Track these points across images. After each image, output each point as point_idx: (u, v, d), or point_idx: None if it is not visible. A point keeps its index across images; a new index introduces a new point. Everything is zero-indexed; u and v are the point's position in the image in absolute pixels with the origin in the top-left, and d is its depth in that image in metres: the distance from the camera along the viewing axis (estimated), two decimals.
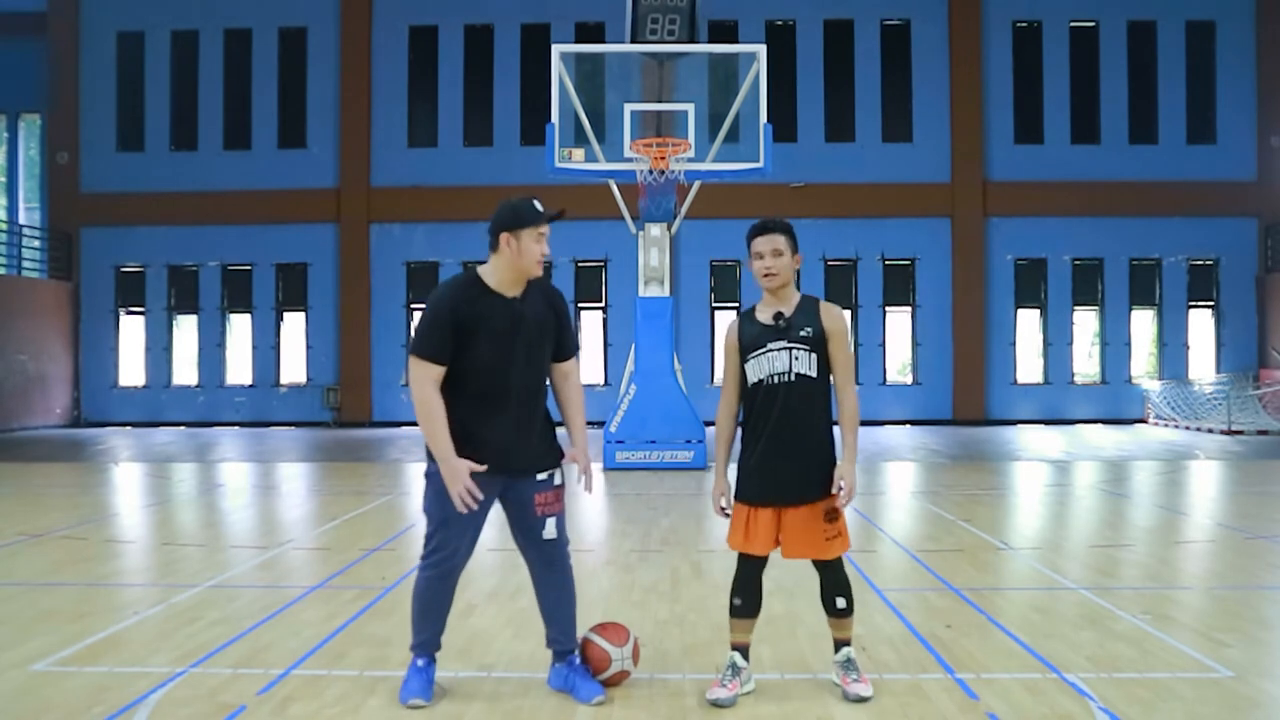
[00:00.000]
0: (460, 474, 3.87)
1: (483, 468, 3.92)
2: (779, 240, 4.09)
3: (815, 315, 4.06)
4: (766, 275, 4.07)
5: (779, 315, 4.07)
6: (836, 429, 4.10)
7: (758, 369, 4.06)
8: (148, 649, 4.83)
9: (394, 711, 4.00)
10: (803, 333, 4.02)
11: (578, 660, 4.20)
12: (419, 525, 8.85)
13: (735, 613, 4.17)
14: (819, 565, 4.13)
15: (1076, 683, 4.27)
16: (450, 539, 4.05)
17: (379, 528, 8.51)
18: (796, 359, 4.02)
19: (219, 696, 4.14)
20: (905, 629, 5.12)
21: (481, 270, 4.03)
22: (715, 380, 22.46)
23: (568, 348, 4.19)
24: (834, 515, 4.03)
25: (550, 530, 4.11)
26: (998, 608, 5.63)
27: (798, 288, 4.20)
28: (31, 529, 8.32)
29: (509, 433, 3.99)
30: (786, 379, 4.01)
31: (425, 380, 3.91)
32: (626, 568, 6.81)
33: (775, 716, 3.94)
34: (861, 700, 4.02)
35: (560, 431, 4.24)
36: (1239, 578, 6.53)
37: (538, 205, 4.00)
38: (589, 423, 4.20)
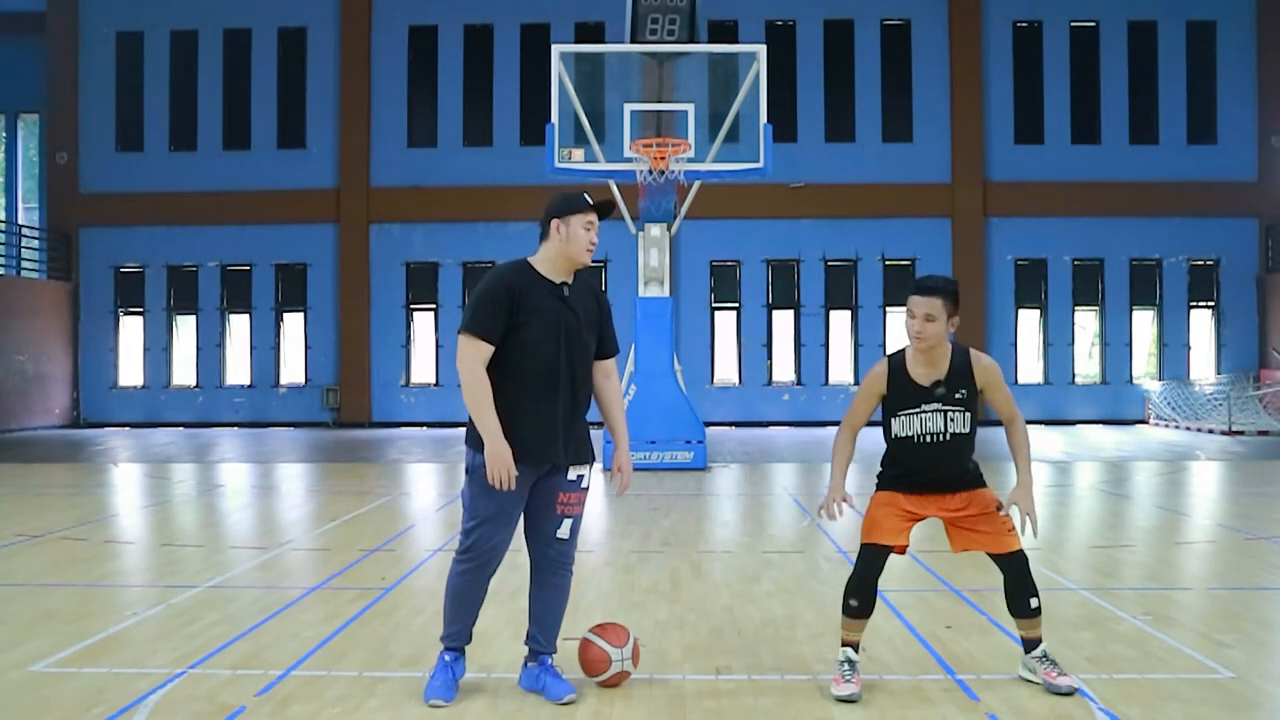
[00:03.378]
0: (504, 454, 3.87)
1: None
2: (934, 304, 4.03)
3: (969, 376, 4.09)
4: (916, 337, 4.08)
5: (937, 384, 4.10)
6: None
7: (908, 426, 4.11)
8: (147, 650, 4.83)
9: (394, 711, 4.00)
10: (959, 394, 4.07)
11: (549, 661, 4.20)
12: (419, 525, 8.88)
13: (851, 613, 4.16)
14: (1007, 562, 4.16)
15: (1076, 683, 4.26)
16: (489, 535, 4.04)
17: (379, 528, 8.50)
18: (952, 420, 4.08)
19: (218, 697, 4.13)
20: (905, 629, 5.11)
21: (532, 259, 4.11)
22: (715, 380, 22.47)
23: (610, 345, 4.24)
24: (1000, 506, 4.14)
25: (565, 530, 4.12)
26: (998, 608, 5.59)
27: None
28: (31, 529, 8.31)
29: (554, 419, 4.00)
30: (941, 438, 4.09)
31: (475, 358, 3.94)
32: (626, 568, 6.80)
33: (775, 716, 3.94)
34: (1069, 692, 4.04)
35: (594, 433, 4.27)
36: (1239, 578, 6.53)
37: (588, 196, 4.12)
38: (588, 423, 4.20)
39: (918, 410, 4.07)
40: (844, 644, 4.17)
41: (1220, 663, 4.54)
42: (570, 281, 4.11)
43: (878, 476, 4.27)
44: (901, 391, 4.11)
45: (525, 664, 4.25)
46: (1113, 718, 3.87)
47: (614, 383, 4.29)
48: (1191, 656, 4.65)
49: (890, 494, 4.17)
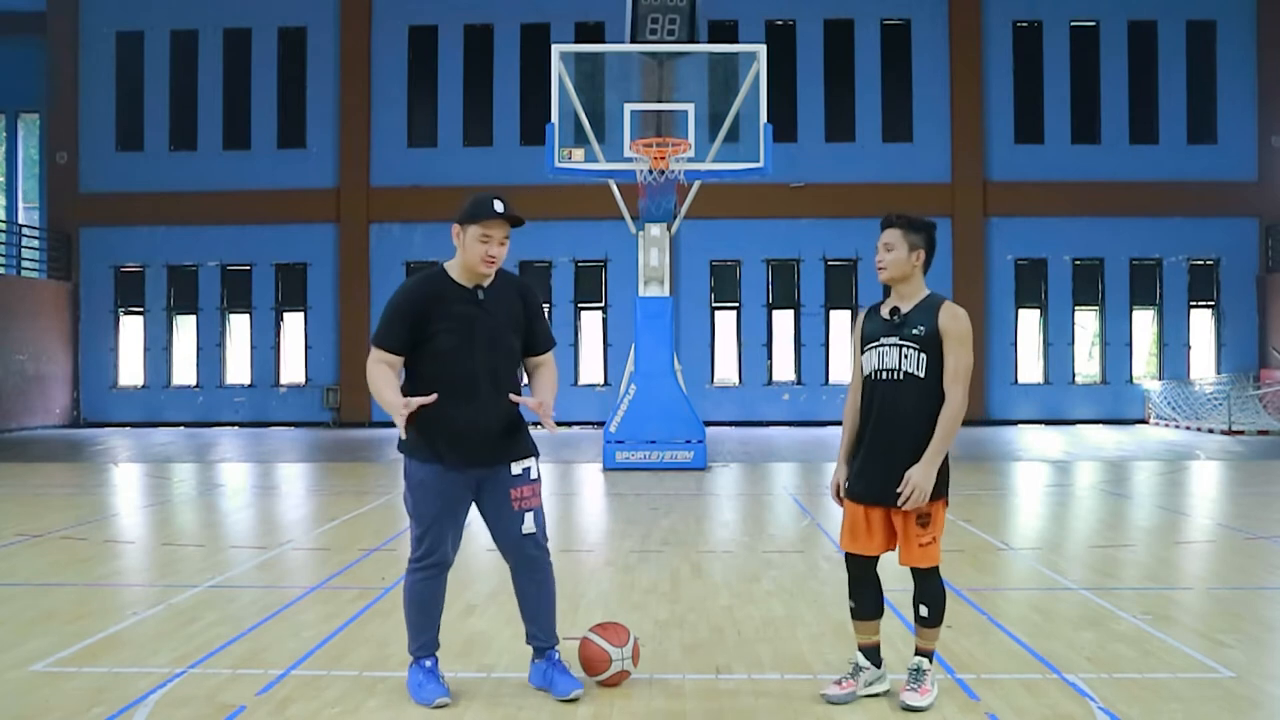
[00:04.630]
0: (403, 406, 3.86)
1: (431, 398, 3.90)
2: (892, 235, 4.06)
3: (932, 314, 3.99)
4: (878, 268, 4.09)
5: (895, 310, 4.06)
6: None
7: (869, 362, 4.06)
8: (147, 649, 4.83)
9: (394, 711, 4.00)
10: (915, 330, 3.98)
11: (556, 656, 4.20)
12: None
13: (853, 615, 4.15)
14: (913, 571, 4.03)
15: (1077, 683, 4.26)
16: (440, 537, 4.07)
17: (378, 528, 8.50)
18: (906, 356, 3.98)
19: (218, 697, 4.13)
20: (905, 629, 5.11)
21: (447, 264, 4.12)
22: (715, 380, 22.48)
23: (541, 342, 4.22)
24: (924, 520, 3.93)
25: (529, 524, 4.11)
26: (998, 608, 5.62)
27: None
28: (31, 529, 8.31)
29: (477, 424, 4.01)
30: (894, 375, 3.99)
31: (379, 363, 4.00)
32: (626, 568, 6.80)
33: (775, 716, 3.94)
34: (908, 709, 3.92)
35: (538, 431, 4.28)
36: (1239, 578, 6.53)
37: (496, 204, 3.99)
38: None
39: (877, 344, 4.04)
40: (859, 647, 4.15)
41: (1220, 663, 4.54)
42: (485, 285, 4.06)
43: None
44: (870, 327, 4.10)
45: (532, 661, 4.26)
46: (1113, 718, 3.87)
47: (546, 370, 4.23)
48: (1191, 656, 4.65)
49: (851, 505, 4.08)
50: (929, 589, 4.01)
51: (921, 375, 3.95)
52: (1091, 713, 3.93)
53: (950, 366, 3.95)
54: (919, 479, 3.86)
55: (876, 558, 4.08)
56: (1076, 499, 10.65)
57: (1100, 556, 7.23)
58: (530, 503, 4.12)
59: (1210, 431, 18.92)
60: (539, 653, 4.22)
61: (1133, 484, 11.53)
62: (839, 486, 4.14)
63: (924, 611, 4.01)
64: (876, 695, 4.09)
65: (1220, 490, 11.42)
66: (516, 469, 4.10)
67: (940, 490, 3.94)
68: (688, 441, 13.08)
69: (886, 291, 4.16)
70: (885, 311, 4.08)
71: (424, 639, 4.15)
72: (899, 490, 3.89)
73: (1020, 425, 21.67)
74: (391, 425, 4.29)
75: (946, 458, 3.98)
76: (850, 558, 4.11)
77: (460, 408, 3.98)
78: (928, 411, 3.94)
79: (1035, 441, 17.70)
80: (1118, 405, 22.21)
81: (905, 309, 4.03)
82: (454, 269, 4.08)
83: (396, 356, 3.99)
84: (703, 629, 5.18)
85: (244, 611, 5.57)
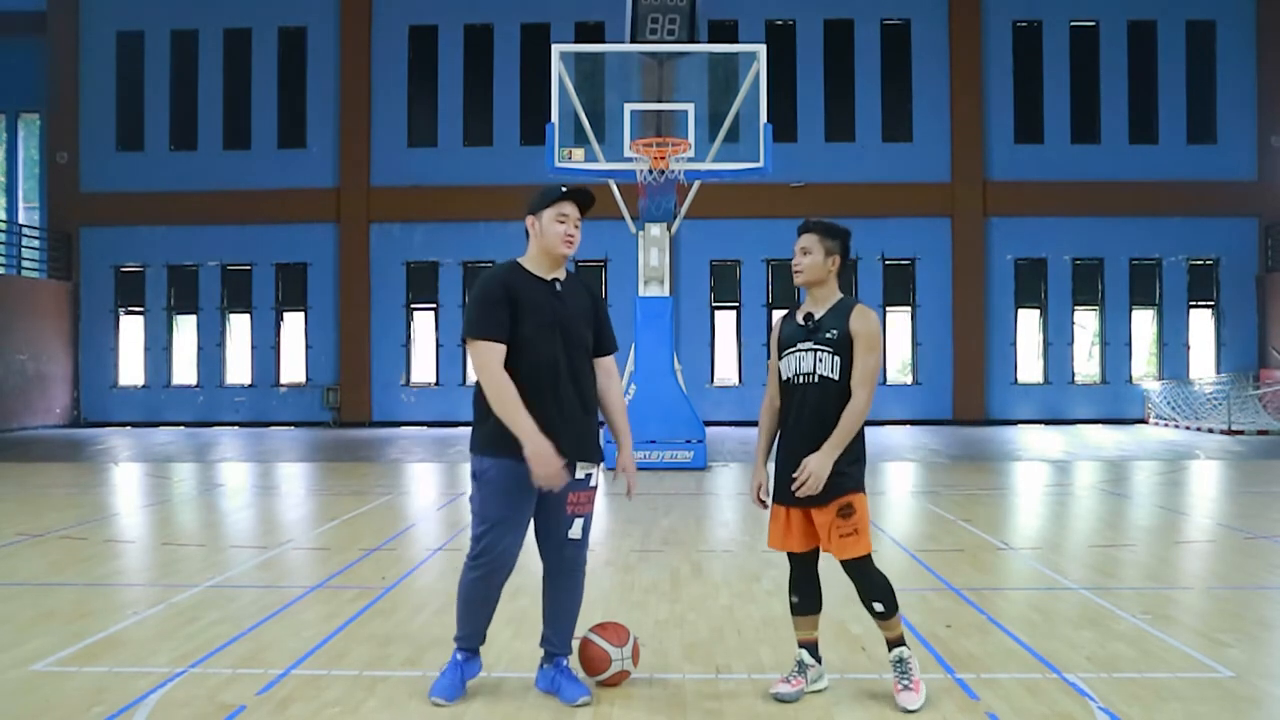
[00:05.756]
0: (548, 453, 3.82)
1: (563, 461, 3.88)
2: (808, 239, 4.14)
3: (844, 318, 4.06)
4: (794, 271, 4.17)
5: (809, 316, 4.12)
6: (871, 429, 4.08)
7: (787, 367, 4.13)
8: (147, 649, 4.83)
9: (394, 711, 4.00)
10: (828, 334, 4.05)
11: (565, 663, 4.20)
12: (419, 525, 8.88)
13: (794, 610, 4.20)
14: (845, 568, 4.07)
15: (1076, 683, 4.27)
16: (499, 539, 4.00)
17: (379, 528, 8.50)
18: (820, 361, 4.04)
19: (219, 696, 4.14)
20: (905, 629, 5.11)
21: (521, 259, 4.13)
22: (715, 380, 22.49)
23: (607, 341, 4.24)
24: (847, 512, 3.99)
25: (576, 530, 4.10)
26: (998, 608, 5.62)
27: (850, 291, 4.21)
28: (31, 529, 8.32)
29: (559, 416, 3.97)
30: (810, 380, 4.05)
31: (493, 361, 3.91)
32: (626, 568, 6.81)
33: (775, 716, 3.94)
34: (909, 712, 3.94)
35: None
36: (1239, 578, 6.53)
37: (563, 187, 4.11)
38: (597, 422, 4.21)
39: (794, 349, 4.10)
40: (799, 644, 4.21)
41: (1220, 662, 4.55)
42: (562, 278, 4.11)
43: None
44: (787, 332, 4.17)
45: (541, 665, 4.25)
46: (1113, 717, 3.88)
47: (616, 382, 4.27)
48: (1191, 656, 4.66)
49: (777, 507, 4.14)
50: (870, 584, 4.04)
51: (836, 378, 4.03)
52: (1091, 712, 3.93)
53: (857, 369, 4.02)
54: (815, 466, 3.94)
55: (816, 552, 4.14)
56: (1076, 499, 10.65)
57: (1100, 556, 7.23)
58: (584, 509, 4.11)
59: (1210, 431, 18.92)
60: (549, 658, 4.21)
61: (1132, 484, 11.53)
62: (760, 488, 4.22)
63: (878, 608, 4.05)
64: (820, 691, 4.16)
65: (1220, 490, 11.42)
66: (580, 472, 4.07)
67: (857, 484, 4.03)
68: (688, 441, 13.08)
69: (801, 295, 4.24)
70: (800, 317, 4.15)
71: (465, 630, 4.14)
72: (794, 475, 3.97)
73: (1020, 425, 21.67)
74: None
75: (864, 453, 4.08)
76: (791, 556, 4.17)
77: (543, 399, 3.94)
78: (837, 410, 4.02)
79: (1035, 441, 17.70)
80: (1117, 405, 22.22)
81: (819, 313, 4.11)
82: (530, 262, 4.10)
83: (502, 345, 3.91)
84: (703, 629, 5.19)
85: (244, 611, 5.57)
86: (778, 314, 22.23)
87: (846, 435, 4.00)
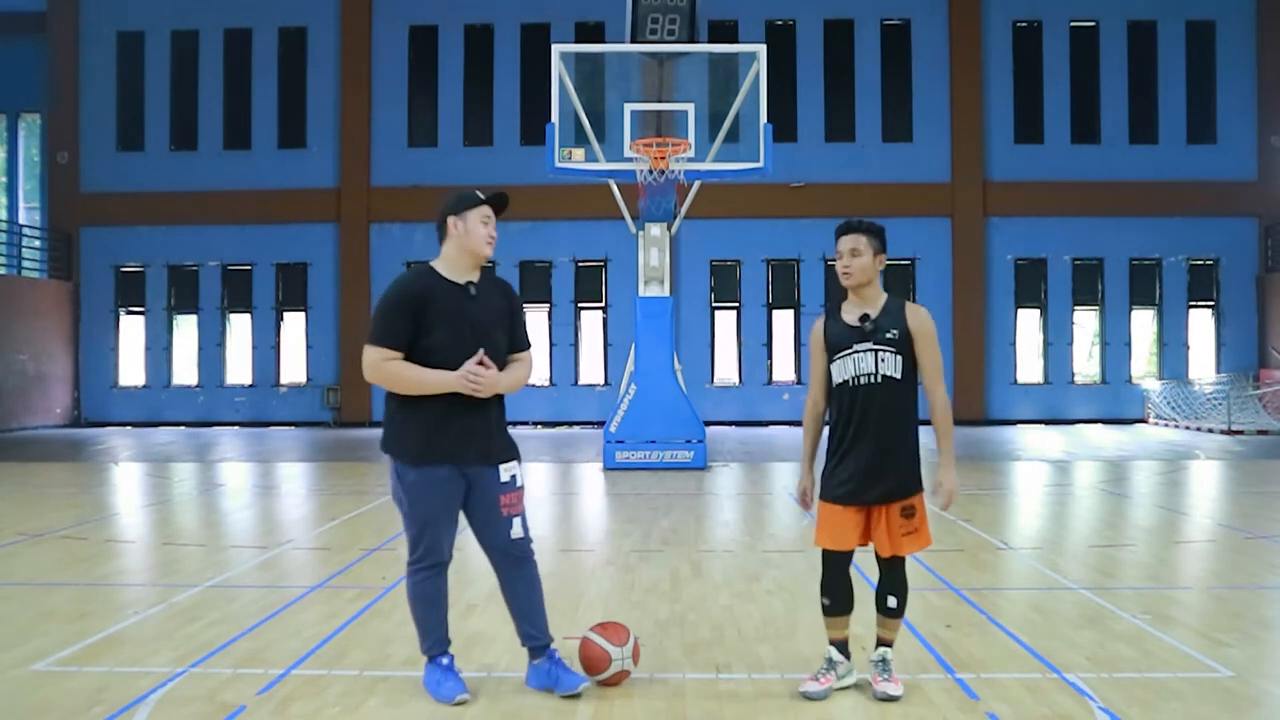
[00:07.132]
0: (468, 371, 3.91)
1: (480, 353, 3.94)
2: (859, 241, 4.12)
3: (901, 317, 4.09)
4: (843, 274, 4.14)
5: (865, 317, 4.11)
6: (924, 429, 4.11)
7: (843, 370, 4.11)
8: (148, 649, 4.83)
9: (394, 710, 4.01)
10: (889, 334, 4.06)
11: (557, 654, 4.22)
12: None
13: (826, 612, 4.21)
14: (882, 561, 4.14)
15: (1076, 683, 4.27)
16: (436, 536, 4.09)
17: (379, 528, 8.50)
18: (883, 361, 4.06)
19: (219, 696, 4.14)
20: (905, 629, 5.12)
21: (434, 262, 4.16)
22: (715, 380, 22.48)
23: (521, 340, 4.27)
24: (910, 511, 4.08)
25: (518, 529, 4.16)
26: (998, 608, 5.63)
27: (885, 289, 4.21)
28: (31, 529, 8.32)
29: (473, 419, 4.03)
30: (874, 380, 4.06)
31: (379, 361, 3.99)
32: (626, 568, 6.81)
33: (775, 716, 3.94)
34: (889, 699, 4.03)
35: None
36: (1239, 578, 6.53)
37: (480, 191, 4.16)
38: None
39: (850, 351, 4.09)
40: (830, 641, 4.22)
41: (1220, 662, 4.55)
42: (476, 281, 4.13)
43: (821, 476, 4.24)
44: (837, 334, 4.15)
45: (531, 663, 4.25)
46: (1113, 717, 3.88)
47: (520, 364, 4.23)
48: (1191, 656, 4.66)
49: (830, 506, 4.14)
50: (898, 578, 4.14)
51: (899, 377, 4.06)
52: (1091, 712, 3.93)
53: (927, 367, 4.09)
54: (951, 485, 4.10)
55: (852, 553, 4.17)
56: (1076, 498, 10.65)
57: (1100, 556, 7.23)
58: (516, 509, 4.17)
59: (1210, 431, 18.92)
60: (537, 652, 4.22)
61: (1132, 483, 11.53)
62: (807, 492, 4.26)
63: (892, 603, 4.12)
64: (847, 688, 4.18)
65: (1220, 490, 11.42)
66: (504, 475, 4.13)
67: (919, 483, 4.14)
68: (688, 441, 13.09)
69: (839, 295, 4.23)
70: (852, 318, 4.13)
71: (434, 637, 4.16)
72: (934, 494, 4.10)
73: (1020, 425, 21.67)
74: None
75: (919, 448, 4.13)
76: (831, 555, 4.17)
77: (458, 403, 3.99)
78: (907, 410, 4.10)
79: (1035, 441, 17.70)
80: (1117, 405, 22.21)
81: (874, 314, 4.10)
82: (442, 266, 4.12)
83: (396, 354, 3.97)
84: (703, 628, 5.19)
85: (244, 611, 5.58)
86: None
87: (950, 436, 4.13)
